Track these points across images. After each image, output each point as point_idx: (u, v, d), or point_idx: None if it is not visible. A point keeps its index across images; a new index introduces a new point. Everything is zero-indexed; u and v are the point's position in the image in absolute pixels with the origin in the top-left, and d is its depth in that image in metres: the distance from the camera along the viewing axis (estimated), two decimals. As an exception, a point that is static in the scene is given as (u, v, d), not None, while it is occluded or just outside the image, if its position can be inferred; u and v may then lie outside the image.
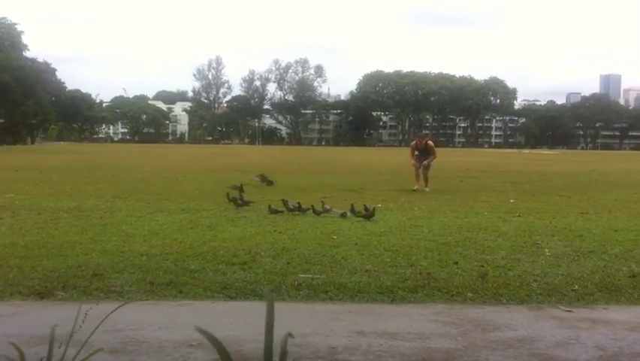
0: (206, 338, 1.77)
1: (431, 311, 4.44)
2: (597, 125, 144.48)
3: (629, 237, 7.76)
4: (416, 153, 15.67)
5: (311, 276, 5.34)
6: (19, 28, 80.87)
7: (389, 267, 5.76)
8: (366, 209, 9.13)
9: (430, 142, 16.03)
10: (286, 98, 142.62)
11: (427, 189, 14.78)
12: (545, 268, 5.84)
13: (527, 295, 4.91)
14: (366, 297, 4.81)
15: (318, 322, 4.10)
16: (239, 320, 4.08)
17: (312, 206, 9.46)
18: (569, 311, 4.49)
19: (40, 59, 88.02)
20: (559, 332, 3.99)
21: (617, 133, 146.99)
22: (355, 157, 44.67)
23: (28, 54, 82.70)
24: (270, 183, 15.19)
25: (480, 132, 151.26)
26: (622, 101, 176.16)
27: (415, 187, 14.91)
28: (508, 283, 5.22)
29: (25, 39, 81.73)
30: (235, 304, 4.59)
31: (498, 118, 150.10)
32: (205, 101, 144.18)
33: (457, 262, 6.00)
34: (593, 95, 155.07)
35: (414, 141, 16.47)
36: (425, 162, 15.32)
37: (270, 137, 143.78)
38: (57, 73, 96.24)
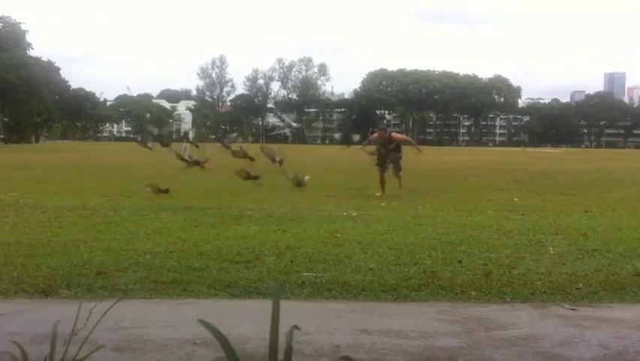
0: (209, 332, 1.76)
1: (435, 310, 4.44)
2: (601, 123, 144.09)
3: (633, 235, 7.74)
4: (380, 149, 13.45)
5: (315, 274, 5.34)
6: (23, 27, 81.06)
7: (393, 265, 5.76)
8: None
9: (395, 134, 14.51)
10: (290, 96, 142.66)
11: (400, 191, 13.34)
12: (549, 266, 5.83)
13: (531, 294, 4.90)
14: (369, 295, 4.81)
15: (321, 320, 4.11)
16: (243, 319, 4.08)
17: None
18: (573, 310, 4.48)
19: (44, 58, 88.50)
20: (563, 330, 3.99)
21: (622, 131, 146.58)
22: (358, 156, 44.56)
23: (32, 53, 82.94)
24: (165, 191, 12.24)
25: (484, 131, 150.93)
26: (626, 100, 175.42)
27: (379, 193, 13.04)
28: (512, 282, 5.21)
29: (29, 38, 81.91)
30: (239, 303, 4.60)
31: (502, 116, 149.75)
32: (209, 99, 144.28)
33: (461, 261, 5.99)
34: (598, 94, 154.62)
35: (375, 134, 14.25)
36: (394, 164, 13.77)
37: (273, 135, 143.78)
38: (61, 72, 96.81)
